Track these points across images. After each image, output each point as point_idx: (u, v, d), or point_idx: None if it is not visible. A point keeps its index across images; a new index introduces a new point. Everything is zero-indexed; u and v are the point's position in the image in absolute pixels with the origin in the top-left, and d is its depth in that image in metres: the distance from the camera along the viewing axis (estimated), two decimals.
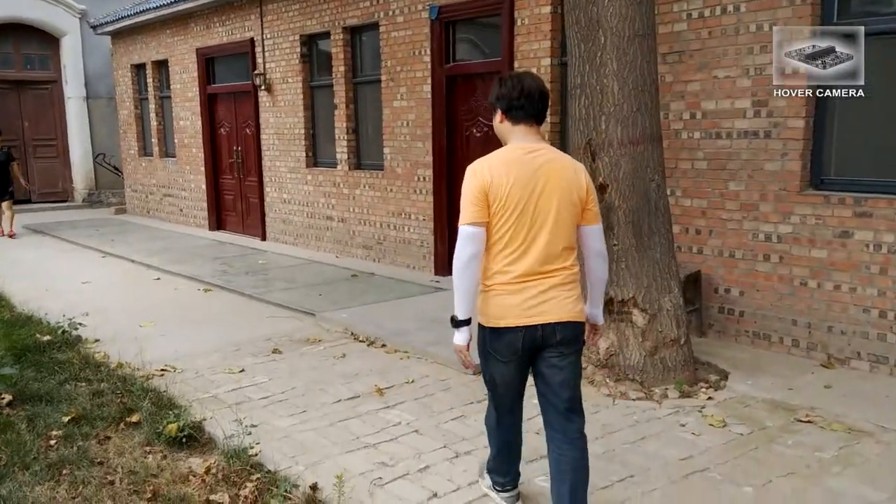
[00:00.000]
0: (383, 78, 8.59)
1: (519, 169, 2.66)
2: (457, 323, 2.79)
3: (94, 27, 14.48)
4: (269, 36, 10.31)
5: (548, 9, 6.72)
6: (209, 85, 11.86)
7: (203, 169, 12.14)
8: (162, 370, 5.09)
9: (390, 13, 8.38)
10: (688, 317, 5.17)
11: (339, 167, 9.46)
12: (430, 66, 7.97)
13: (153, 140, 13.69)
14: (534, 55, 6.89)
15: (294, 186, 10.27)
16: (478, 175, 2.68)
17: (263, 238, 10.99)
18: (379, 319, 6.21)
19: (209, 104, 11.88)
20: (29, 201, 15.77)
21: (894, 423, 4.09)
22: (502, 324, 2.70)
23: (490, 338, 2.76)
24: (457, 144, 7.95)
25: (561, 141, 6.95)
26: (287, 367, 5.16)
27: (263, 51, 10.42)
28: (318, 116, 9.96)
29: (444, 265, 8.15)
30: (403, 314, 6.40)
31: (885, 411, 4.27)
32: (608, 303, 4.94)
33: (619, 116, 4.75)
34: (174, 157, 13.10)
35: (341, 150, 9.36)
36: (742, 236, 5.58)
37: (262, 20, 10.38)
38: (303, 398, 4.57)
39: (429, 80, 8.01)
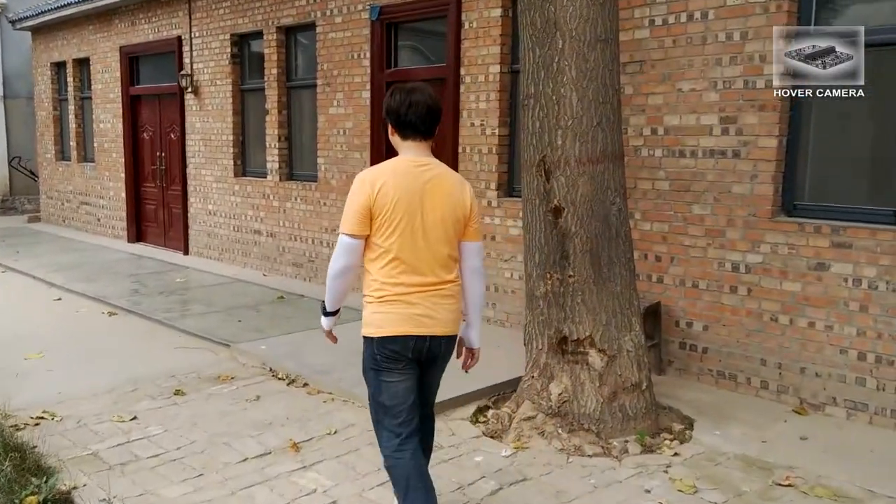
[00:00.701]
0: (319, 82, 7.90)
1: (407, 181, 2.68)
2: (326, 313, 2.96)
3: (12, 22, 13.39)
4: (197, 34, 9.51)
5: (498, 11, 6.15)
6: (132, 86, 10.95)
7: (123, 176, 11.20)
8: (38, 418, 4.28)
9: (328, 13, 7.70)
10: (649, 357, 4.61)
11: (269, 177, 8.71)
12: (369, 71, 7.32)
13: (71, 143, 12.67)
14: (482, 61, 6.30)
15: (220, 197, 9.47)
16: (364, 187, 2.67)
17: (186, 252, 10.13)
18: (303, 352, 5.49)
19: (132, 106, 10.97)
20: None
21: (884, 485, 3.59)
22: (392, 332, 2.71)
23: (378, 348, 2.74)
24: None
25: (510, 157, 6.37)
26: (188, 414, 4.40)
27: (191, 50, 9.61)
28: (248, 122, 9.19)
29: None
30: (332, 345, 5.68)
31: (872, 471, 3.76)
32: (561, 342, 4.36)
33: (577, 131, 4.17)
34: (93, 162, 12.12)
35: (272, 160, 8.62)
36: (706, 265, 5.07)
37: (190, 17, 9.58)
38: (202, 456, 3.83)
39: (368, 86, 7.35)
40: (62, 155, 13.14)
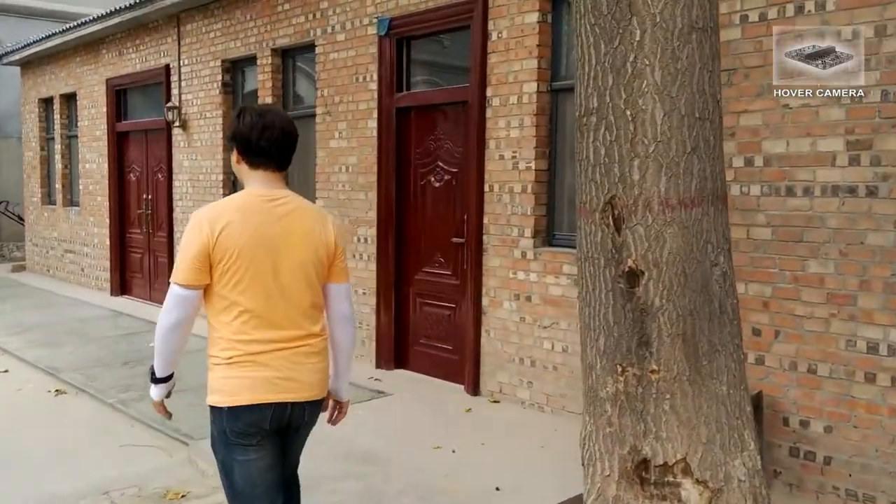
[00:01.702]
0: (318, 111, 6.70)
1: (256, 220, 2.29)
2: (155, 380, 2.42)
3: (0, 56, 12.47)
4: (186, 62, 8.40)
5: (534, 16, 4.92)
6: (119, 121, 9.86)
7: (108, 221, 10.05)
8: None
9: (329, 30, 6.53)
10: (769, 489, 3.22)
11: None
12: (376, 96, 6.10)
13: (57, 186, 11.58)
14: (514, 79, 5.05)
15: None
16: (202, 230, 2.24)
17: None
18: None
19: (118, 144, 9.87)
20: None
21: None
22: (249, 400, 2.29)
23: (229, 420, 2.31)
24: (409, 197, 6.04)
25: (549, 197, 5.08)
26: None
27: (180, 80, 8.49)
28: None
29: (389, 354, 6.16)
30: (321, 441, 4.36)
31: None
32: (640, 466, 2.99)
33: (663, 160, 2.85)
34: (78, 206, 10.99)
35: None
36: (829, 343, 3.70)
37: (179, 43, 8.48)
38: None
39: (375, 114, 6.13)
40: (49, 199, 12.06)
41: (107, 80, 9.87)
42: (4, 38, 13.22)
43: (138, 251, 9.68)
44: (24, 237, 13.51)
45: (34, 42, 10.96)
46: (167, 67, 8.67)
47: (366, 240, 6.29)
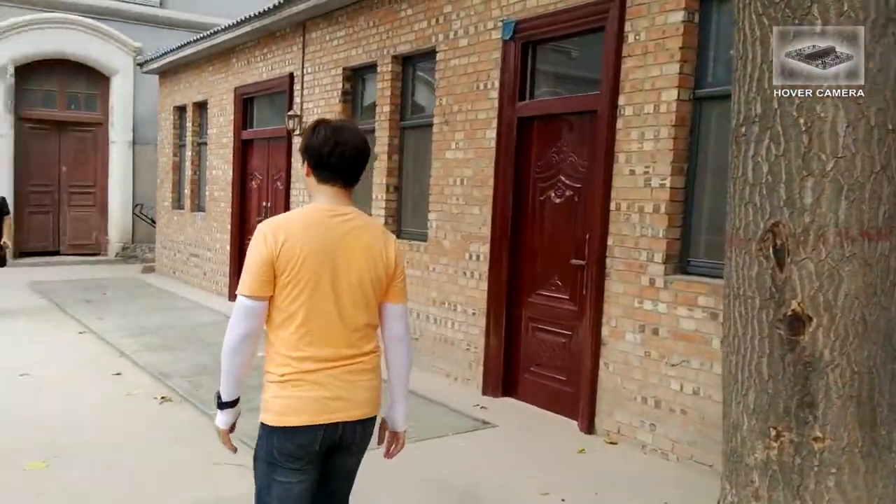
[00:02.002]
0: (436, 120, 6.41)
1: (319, 234, 2.28)
2: (221, 405, 2.36)
3: (140, 65, 13.08)
4: (309, 70, 8.37)
5: (679, 16, 4.40)
6: (244, 129, 10.01)
7: (229, 227, 10.21)
8: None
9: (451, 35, 6.24)
10: None
11: None
12: (497, 104, 5.74)
13: (186, 191, 11.96)
14: (651, 85, 4.54)
15: None
16: (266, 241, 2.25)
17: None
18: (378, 490, 3.83)
19: (243, 152, 10.01)
20: (57, 253, 14.32)
21: None
22: (300, 422, 2.26)
23: (278, 440, 2.28)
24: (526, 212, 5.62)
25: (686, 218, 4.52)
26: None
27: (302, 88, 8.48)
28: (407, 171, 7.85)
29: (497, 381, 5.75)
30: (412, 473, 4.02)
31: None
32: None
33: (844, 180, 2.31)
34: (204, 211, 11.28)
35: (378, 213, 7.17)
36: None
37: (304, 51, 8.47)
38: None
39: (494, 123, 5.77)
40: (178, 203, 12.48)
41: (235, 89, 10.06)
42: (145, 48, 13.89)
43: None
44: (155, 239, 14.10)
45: (170, 51, 11.38)
46: (291, 76, 8.69)
47: (477, 257, 5.92)
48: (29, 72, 13.61)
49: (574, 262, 5.19)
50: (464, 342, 6.09)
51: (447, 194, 6.25)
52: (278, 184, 9.17)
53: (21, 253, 13.64)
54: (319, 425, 2.27)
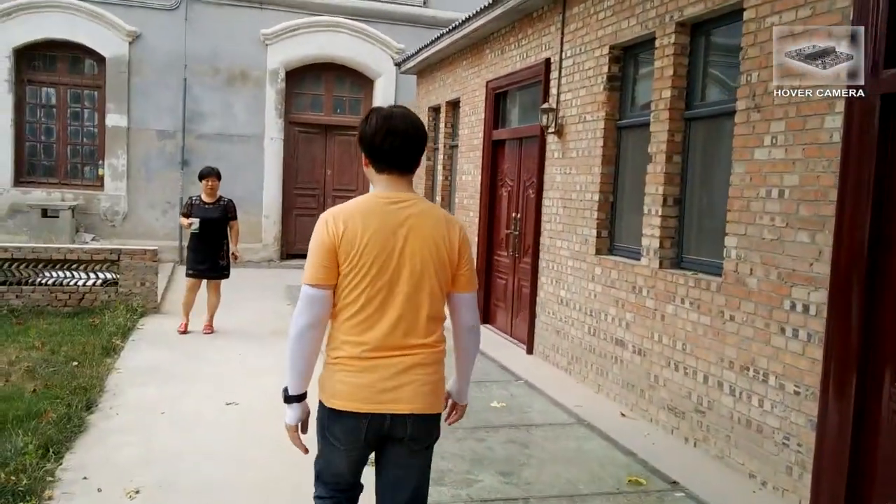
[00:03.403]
0: (739, 106, 4.51)
1: (378, 221, 2.31)
2: (288, 398, 2.38)
3: (397, 65, 12.53)
4: (569, 53, 6.83)
5: None
6: (496, 128, 8.76)
7: (477, 239, 9.03)
8: None
9: None
10: None
11: (643, 260, 5.51)
12: (847, 77, 3.71)
13: (437, 198, 11.06)
14: None
15: (576, 282, 6.54)
16: (328, 228, 2.30)
17: (530, 350, 7.40)
18: None
19: (493, 154, 8.77)
20: None
21: None
22: (343, 406, 2.31)
23: (327, 418, 2.36)
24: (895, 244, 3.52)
25: None
26: None
27: (559, 76, 6.96)
28: (623, 175, 6.15)
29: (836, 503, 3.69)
30: None
31: None
32: None
33: None
34: None
35: (651, 233, 5.42)
36: None
37: (562, 31, 6.95)
38: None
39: (838, 106, 3.75)
40: None
41: (487, 83, 8.85)
42: (408, 50, 13.33)
43: (504, 276, 8.46)
44: None
45: (426, 46, 10.54)
46: (547, 62, 7.22)
47: (805, 308, 3.93)
48: (298, 76, 13.77)
49: None
50: (779, 432, 4.12)
51: (755, 211, 4.32)
52: (530, 192, 7.76)
53: (287, 255, 13.85)
54: (364, 413, 2.27)
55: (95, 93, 13.00)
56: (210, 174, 7.65)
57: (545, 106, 6.94)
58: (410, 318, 2.29)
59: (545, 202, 7.22)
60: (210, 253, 7.60)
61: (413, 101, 12.93)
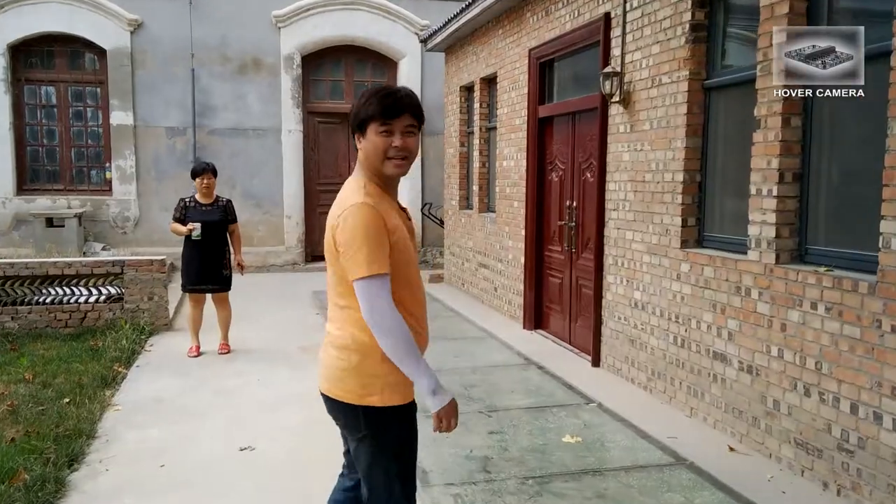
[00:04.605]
0: None
1: None
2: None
3: (423, 41, 11.40)
4: (635, 3, 5.66)
5: None
6: (541, 104, 7.61)
7: (523, 233, 7.91)
8: None
9: None
10: None
11: (751, 255, 4.35)
12: None
13: (474, 188, 9.94)
14: None
15: (655, 281, 5.39)
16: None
17: (595, 362, 6.27)
18: None
19: (539, 134, 7.63)
20: None
21: None
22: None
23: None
24: None
25: None
26: None
27: (623, 33, 5.80)
28: (713, 148, 4.98)
29: None
30: None
31: None
32: None
33: None
34: (494, 212, 9.15)
35: (761, 219, 4.26)
36: None
37: None
38: None
39: None
40: (466, 202, 10.55)
41: (529, 52, 7.70)
42: (433, 26, 12.19)
43: (557, 275, 7.33)
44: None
45: (455, 16, 9.39)
46: (606, 18, 6.05)
47: None
48: (315, 61, 12.72)
49: None
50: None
51: None
52: (587, 175, 6.62)
53: (312, 257, 12.86)
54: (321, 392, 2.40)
55: (98, 89, 12.07)
56: (205, 170, 6.60)
57: (607, 70, 5.79)
58: (331, 303, 2.37)
59: (609, 186, 6.07)
60: (211, 263, 6.55)
61: (440, 82, 11.82)
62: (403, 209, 2.43)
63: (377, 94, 2.26)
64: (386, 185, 2.34)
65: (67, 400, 5.33)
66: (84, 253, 11.05)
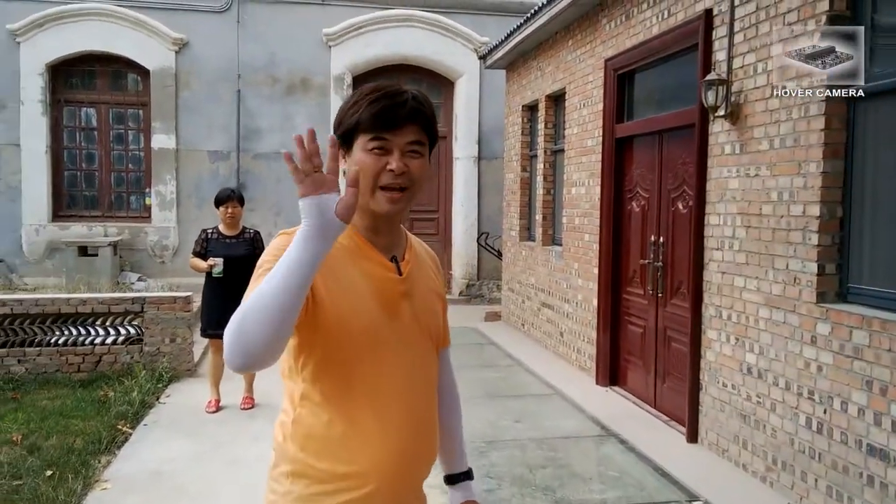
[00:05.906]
0: None
1: None
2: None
3: (482, 57, 10.45)
4: None
5: None
6: (619, 123, 6.52)
7: (596, 271, 6.79)
8: None
9: None
10: None
11: None
12: None
13: (537, 217, 8.87)
14: None
15: (777, 342, 4.20)
16: None
17: (692, 437, 5.07)
18: None
19: (616, 156, 6.53)
20: None
21: None
22: None
23: None
24: None
25: None
26: None
27: (731, 32, 4.69)
28: (862, 171, 3.81)
29: None
30: None
31: None
32: None
33: None
34: (560, 245, 8.04)
35: (795, 259, 3.08)
36: None
37: None
38: None
39: None
40: (528, 233, 9.47)
41: (605, 62, 6.64)
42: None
43: (639, 323, 6.17)
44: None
45: (518, 28, 8.41)
46: (707, 15, 4.96)
47: None
48: (366, 81, 11.77)
49: None
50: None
51: None
52: (679, 205, 5.49)
53: None
54: None
55: (140, 111, 11.47)
56: (229, 198, 5.75)
57: (710, 77, 4.67)
58: None
59: (710, 220, 4.92)
60: (234, 304, 5.60)
61: (499, 103, 10.83)
62: (432, 258, 1.78)
63: (369, 95, 1.53)
64: (376, 226, 1.58)
65: (50, 473, 4.44)
66: (118, 283, 10.36)
